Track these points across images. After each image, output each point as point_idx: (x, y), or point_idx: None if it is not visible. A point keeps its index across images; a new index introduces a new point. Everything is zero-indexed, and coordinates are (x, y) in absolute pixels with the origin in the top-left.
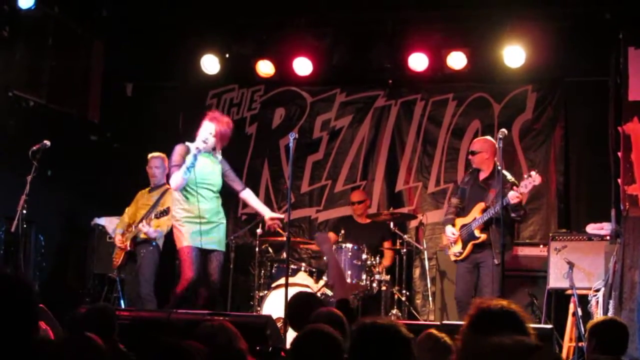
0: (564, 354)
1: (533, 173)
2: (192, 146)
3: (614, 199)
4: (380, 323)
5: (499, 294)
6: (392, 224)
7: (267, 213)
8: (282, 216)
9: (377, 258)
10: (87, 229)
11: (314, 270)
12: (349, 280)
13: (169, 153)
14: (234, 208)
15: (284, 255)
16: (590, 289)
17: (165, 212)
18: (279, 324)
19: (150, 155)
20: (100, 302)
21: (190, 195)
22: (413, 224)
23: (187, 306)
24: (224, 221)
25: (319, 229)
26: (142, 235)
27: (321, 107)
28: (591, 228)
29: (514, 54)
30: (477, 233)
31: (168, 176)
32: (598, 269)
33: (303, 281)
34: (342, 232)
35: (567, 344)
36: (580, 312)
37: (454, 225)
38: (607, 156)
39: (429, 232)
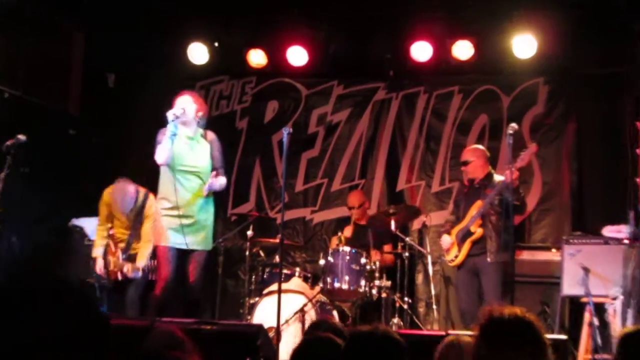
0: None
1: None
2: (169, 115)
3: (632, 199)
4: (373, 330)
5: (506, 300)
6: (393, 225)
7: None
8: (215, 174)
9: (377, 262)
10: (65, 230)
11: (309, 275)
12: (346, 287)
13: (152, 146)
14: (222, 207)
15: (277, 259)
16: (607, 296)
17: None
18: (271, 334)
19: (112, 200)
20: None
21: (169, 182)
22: (416, 225)
23: (171, 312)
24: (212, 218)
25: (314, 231)
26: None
27: (317, 100)
28: (608, 231)
29: (524, 44)
30: (472, 229)
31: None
32: (615, 274)
33: (297, 287)
34: (339, 234)
35: (583, 355)
36: (596, 322)
37: (449, 234)
38: (623, 153)
39: (432, 235)
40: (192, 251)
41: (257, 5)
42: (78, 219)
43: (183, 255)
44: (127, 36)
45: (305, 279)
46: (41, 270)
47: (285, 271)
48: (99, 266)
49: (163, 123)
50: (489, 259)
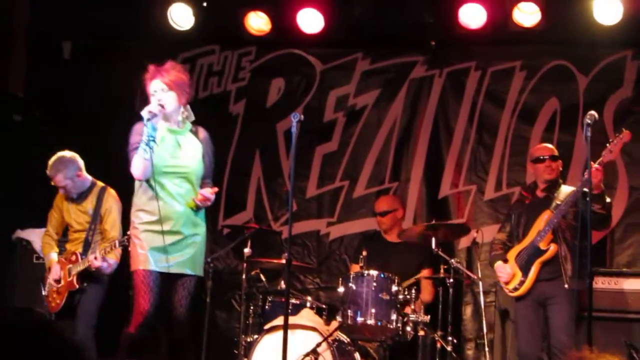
0: None
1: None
2: (143, 113)
3: None
4: None
5: (580, 341)
6: (434, 243)
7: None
8: (215, 189)
9: (413, 291)
10: (6, 246)
11: (323, 306)
12: (372, 322)
13: (121, 137)
14: (211, 217)
15: (282, 285)
16: None
17: (128, 240)
18: None
19: (48, 169)
20: None
21: (152, 189)
22: (463, 243)
23: (147, 355)
24: (203, 232)
25: (330, 249)
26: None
27: (336, 77)
28: None
29: (607, 6)
30: (542, 246)
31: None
32: None
33: (309, 322)
34: (364, 254)
35: None
36: None
37: (506, 261)
38: None
39: (485, 256)
40: (180, 276)
41: None
42: (24, 230)
43: (167, 282)
44: None
45: (319, 312)
46: None
47: (293, 301)
48: (54, 272)
49: (134, 110)
50: (566, 285)
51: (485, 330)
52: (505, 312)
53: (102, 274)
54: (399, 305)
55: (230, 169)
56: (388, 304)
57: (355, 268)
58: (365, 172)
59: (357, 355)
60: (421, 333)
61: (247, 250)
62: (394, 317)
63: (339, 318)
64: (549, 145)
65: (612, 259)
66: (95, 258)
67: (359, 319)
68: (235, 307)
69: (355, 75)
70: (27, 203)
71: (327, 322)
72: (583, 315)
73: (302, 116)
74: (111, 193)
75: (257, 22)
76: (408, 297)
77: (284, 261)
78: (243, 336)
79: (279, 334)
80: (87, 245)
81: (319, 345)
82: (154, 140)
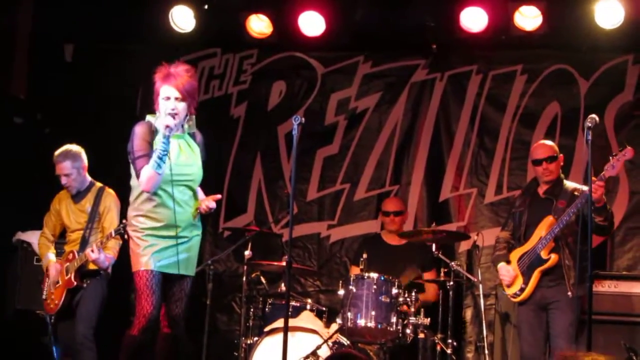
0: None
1: (623, 148)
2: (159, 123)
3: None
4: None
5: (581, 344)
6: (434, 247)
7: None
8: (218, 197)
9: (414, 294)
10: (7, 248)
11: (324, 309)
12: (372, 324)
13: (122, 139)
14: (212, 219)
15: (283, 287)
16: None
17: (124, 229)
18: None
19: (54, 155)
20: None
21: (159, 197)
22: (464, 246)
23: (149, 357)
24: (200, 234)
25: (331, 252)
26: (90, 265)
27: (337, 81)
28: None
29: (608, 10)
30: (543, 255)
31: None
32: None
33: (308, 324)
34: (365, 257)
35: None
36: None
37: (508, 262)
38: None
39: (486, 259)
40: (178, 278)
41: None
42: (25, 233)
43: (166, 283)
44: None
45: (319, 314)
46: None
47: (293, 303)
48: (53, 271)
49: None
50: (570, 294)
51: (485, 333)
52: (505, 315)
53: (100, 267)
54: (399, 308)
55: (231, 172)
56: (388, 307)
57: (355, 270)
58: (366, 175)
59: None
60: (421, 336)
61: (247, 253)
62: (394, 319)
63: (339, 321)
64: (548, 143)
65: (613, 262)
66: (92, 250)
67: (359, 322)
68: (236, 310)
69: (356, 78)
70: (28, 205)
71: (327, 325)
72: (584, 319)
73: (303, 119)
74: (110, 192)
75: (259, 25)
76: (408, 299)
77: (284, 264)
78: (243, 338)
79: (279, 336)
80: (84, 244)
81: (319, 347)
82: (167, 153)
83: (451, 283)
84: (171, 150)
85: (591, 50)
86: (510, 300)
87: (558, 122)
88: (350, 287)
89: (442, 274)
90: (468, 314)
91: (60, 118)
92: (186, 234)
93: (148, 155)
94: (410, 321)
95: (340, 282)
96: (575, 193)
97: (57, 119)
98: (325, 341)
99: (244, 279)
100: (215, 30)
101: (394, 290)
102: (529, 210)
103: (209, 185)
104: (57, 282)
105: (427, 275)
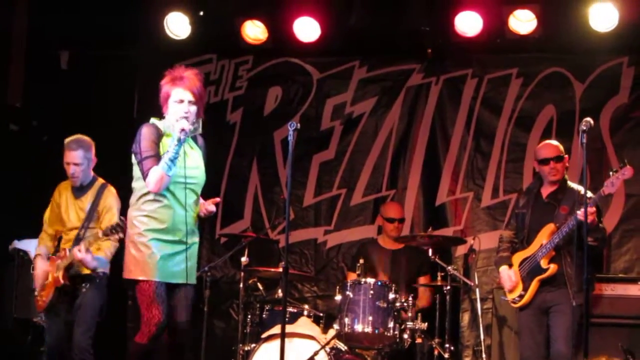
0: None
1: (623, 165)
2: (169, 126)
3: None
4: None
5: (580, 348)
6: (430, 251)
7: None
8: (217, 200)
9: (410, 298)
10: (3, 257)
11: (321, 315)
12: (369, 330)
13: (118, 146)
14: (209, 225)
15: (280, 293)
16: None
17: (119, 227)
18: None
19: (66, 142)
20: None
21: (165, 198)
22: (460, 250)
23: None
24: (197, 240)
25: (328, 258)
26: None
27: (333, 86)
28: None
29: (603, 13)
30: (543, 264)
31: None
32: None
33: (306, 330)
34: (361, 262)
35: None
36: None
37: (510, 265)
38: None
39: (483, 263)
40: (181, 286)
41: None
42: (21, 241)
43: (170, 291)
44: (85, 2)
45: (317, 320)
46: None
47: (290, 309)
48: (37, 265)
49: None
50: (573, 303)
51: (482, 337)
52: (503, 319)
53: (88, 268)
54: (396, 313)
55: (227, 178)
56: (385, 312)
57: (352, 276)
58: (363, 180)
59: None
60: (419, 340)
61: (244, 259)
62: (391, 324)
63: (336, 326)
64: (554, 143)
65: (609, 265)
66: (79, 250)
67: (357, 327)
68: (233, 316)
69: (352, 83)
70: (24, 213)
71: (325, 331)
72: (583, 322)
73: (299, 125)
74: (111, 190)
75: (254, 31)
76: (405, 304)
77: (281, 270)
78: (241, 345)
79: (277, 342)
80: (77, 242)
81: (316, 353)
82: (177, 157)
83: (448, 287)
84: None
85: (586, 53)
86: (511, 305)
87: (554, 125)
88: (347, 292)
89: (439, 279)
90: (465, 318)
91: (56, 125)
92: (188, 239)
93: (156, 157)
94: (408, 326)
95: (337, 287)
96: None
97: (53, 126)
98: (323, 347)
99: (241, 285)
100: (211, 36)
101: (391, 296)
102: (532, 214)
103: (205, 191)
104: (47, 279)
105: (422, 280)
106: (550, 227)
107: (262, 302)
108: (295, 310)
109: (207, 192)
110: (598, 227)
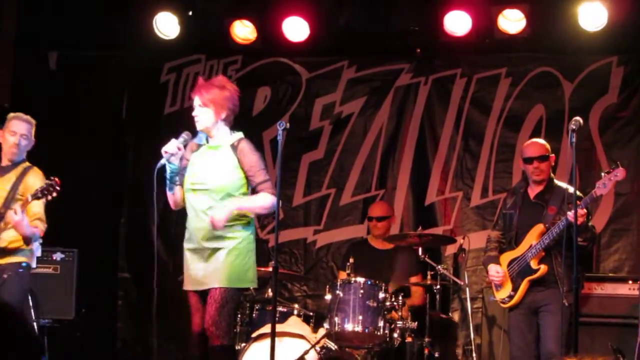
0: None
1: (615, 167)
2: (170, 146)
3: None
4: None
5: (569, 347)
6: (420, 251)
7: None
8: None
9: (400, 298)
10: None
11: (311, 314)
12: (359, 329)
13: (108, 146)
14: None
15: (269, 293)
16: None
17: (51, 187)
18: None
19: (14, 114)
20: None
21: (187, 208)
22: (450, 250)
23: None
24: (231, 245)
25: (317, 257)
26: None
27: (322, 86)
28: None
29: (592, 13)
30: (533, 265)
31: None
32: None
33: (295, 329)
34: (351, 261)
35: None
36: None
37: (499, 264)
38: None
39: (472, 262)
40: (207, 291)
41: None
42: None
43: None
44: (74, 2)
45: (307, 319)
46: None
47: (280, 309)
48: None
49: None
50: (566, 303)
51: (472, 336)
52: (492, 318)
53: (22, 234)
54: (386, 312)
55: None
56: (375, 311)
57: (342, 275)
58: (352, 180)
59: None
60: (409, 340)
61: None
62: (381, 324)
63: (326, 325)
64: (540, 142)
65: (599, 264)
66: (14, 211)
67: (347, 327)
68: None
69: (341, 83)
70: None
71: (315, 330)
72: (572, 321)
73: (288, 124)
74: (37, 171)
75: (243, 31)
76: (395, 303)
77: (270, 269)
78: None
79: (267, 342)
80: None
81: (306, 352)
82: (176, 174)
83: (438, 287)
84: (196, 160)
85: (575, 52)
86: (500, 305)
87: (543, 125)
88: (337, 291)
89: (428, 278)
90: (455, 317)
91: (44, 126)
92: (207, 244)
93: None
94: (398, 325)
95: (327, 286)
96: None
97: (41, 126)
98: (313, 346)
99: None
100: (200, 36)
101: (381, 295)
102: (520, 215)
103: None
104: None
105: (413, 280)
106: (539, 227)
107: (252, 301)
108: (285, 310)
109: None
110: (587, 227)
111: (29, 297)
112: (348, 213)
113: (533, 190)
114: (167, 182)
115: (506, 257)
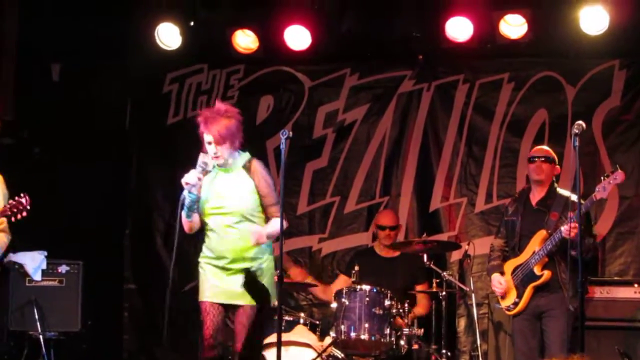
0: None
1: (614, 170)
2: (190, 177)
3: None
4: None
5: (575, 352)
6: (425, 257)
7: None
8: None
9: (407, 305)
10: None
11: (317, 322)
12: (366, 336)
13: (110, 160)
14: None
15: (275, 302)
16: None
17: (20, 204)
18: None
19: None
20: None
21: (208, 227)
22: (455, 256)
23: None
24: (256, 265)
25: (323, 265)
26: None
27: (324, 94)
28: None
29: (593, 17)
30: (537, 271)
31: None
32: None
33: (302, 338)
34: (357, 269)
35: None
36: None
37: (502, 273)
38: None
39: (477, 268)
40: (235, 307)
41: None
42: (16, 254)
43: (229, 312)
44: (76, 14)
45: (313, 328)
46: None
47: (286, 318)
48: None
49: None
50: (571, 308)
51: (479, 342)
52: (499, 324)
53: None
54: (392, 320)
55: None
56: (381, 319)
57: (342, 277)
58: (356, 188)
59: None
60: (415, 347)
61: None
62: (387, 331)
63: (332, 334)
64: (545, 148)
65: (604, 268)
66: None
67: (353, 334)
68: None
69: (343, 90)
70: (19, 226)
71: (321, 338)
72: (578, 325)
73: (291, 133)
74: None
75: (245, 40)
76: (401, 311)
77: (276, 279)
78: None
79: (273, 351)
80: None
81: None
82: (195, 201)
83: (444, 293)
84: (214, 183)
85: (577, 56)
86: (505, 313)
87: (546, 129)
88: (343, 299)
89: (434, 285)
90: (461, 323)
91: (48, 137)
92: (232, 265)
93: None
94: (404, 332)
95: (333, 295)
96: (565, 212)
97: (45, 138)
98: (319, 354)
99: None
100: (202, 46)
101: (387, 302)
102: (522, 221)
103: None
104: None
105: (419, 288)
106: (542, 233)
107: (258, 310)
108: (291, 319)
109: None
110: (583, 241)
111: (35, 310)
112: (353, 221)
113: (535, 197)
114: (186, 209)
115: (510, 264)
